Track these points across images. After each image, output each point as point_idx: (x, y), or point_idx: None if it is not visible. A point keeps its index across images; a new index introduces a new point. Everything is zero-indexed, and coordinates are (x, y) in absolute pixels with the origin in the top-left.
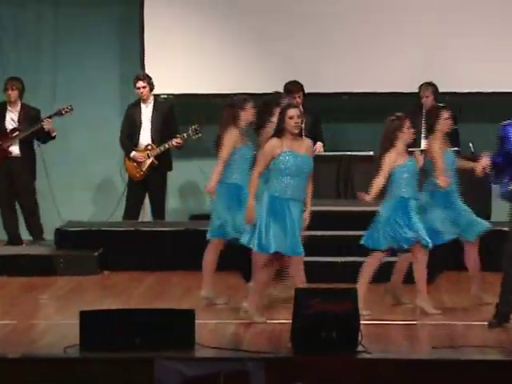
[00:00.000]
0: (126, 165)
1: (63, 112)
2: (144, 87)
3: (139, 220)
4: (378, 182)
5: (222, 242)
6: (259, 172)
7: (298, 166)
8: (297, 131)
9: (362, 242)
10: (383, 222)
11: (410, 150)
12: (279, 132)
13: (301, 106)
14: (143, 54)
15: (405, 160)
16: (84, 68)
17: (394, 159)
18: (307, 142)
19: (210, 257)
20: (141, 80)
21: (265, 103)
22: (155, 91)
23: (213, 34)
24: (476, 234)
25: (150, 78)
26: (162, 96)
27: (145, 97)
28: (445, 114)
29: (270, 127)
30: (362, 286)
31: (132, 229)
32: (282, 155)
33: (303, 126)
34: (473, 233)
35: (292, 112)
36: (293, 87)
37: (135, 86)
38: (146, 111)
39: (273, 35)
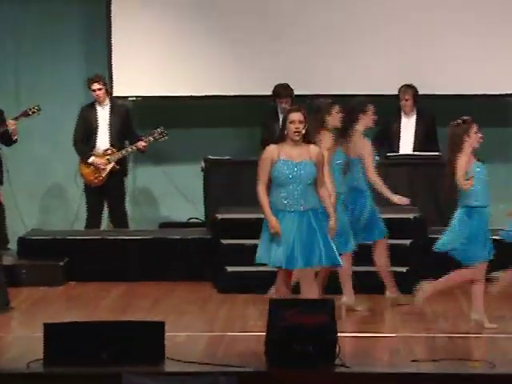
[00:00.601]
0: (81, 170)
1: (30, 113)
2: (100, 89)
3: (102, 228)
4: (465, 186)
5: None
6: (264, 183)
7: (295, 175)
8: (297, 138)
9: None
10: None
11: (389, 155)
12: (280, 138)
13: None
14: (110, 54)
15: (472, 165)
16: (48, 69)
17: (467, 162)
18: (312, 148)
19: (346, 264)
20: (96, 82)
21: (351, 108)
22: (123, 93)
23: (183, 34)
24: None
25: (105, 79)
26: (130, 98)
27: (101, 99)
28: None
29: (355, 134)
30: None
31: (98, 237)
32: (277, 164)
33: (303, 131)
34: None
35: (292, 117)
36: (281, 90)
37: (90, 88)
38: (103, 114)
39: (249, 36)
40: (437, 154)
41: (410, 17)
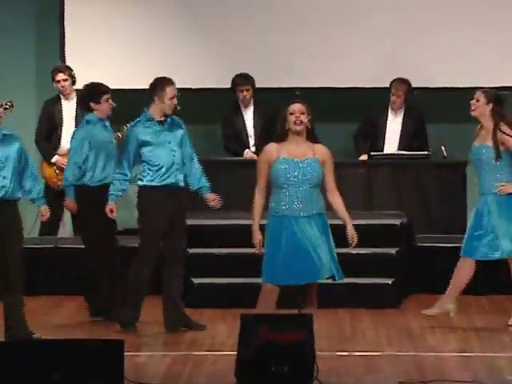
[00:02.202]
0: (43, 171)
1: (1, 109)
2: (65, 80)
3: (58, 236)
4: None
5: None
6: (260, 187)
7: (298, 175)
8: (299, 127)
9: None
10: None
11: (373, 154)
12: (281, 136)
13: (252, 102)
14: (63, 44)
15: None
16: None
17: None
18: (318, 146)
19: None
20: (61, 72)
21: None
22: (79, 86)
23: (144, 21)
24: None
25: (72, 70)
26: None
27: (66, 91)
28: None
29: None
30: None
31: (51, 246)
32: (276, 163)
33: (305, 121)
34: None
35: (292, 107)
36: (240, 80)
37: (54, 79)
38: (68, 108)
39: (219, 25)
40: (425, 153)
41: (397, 4)
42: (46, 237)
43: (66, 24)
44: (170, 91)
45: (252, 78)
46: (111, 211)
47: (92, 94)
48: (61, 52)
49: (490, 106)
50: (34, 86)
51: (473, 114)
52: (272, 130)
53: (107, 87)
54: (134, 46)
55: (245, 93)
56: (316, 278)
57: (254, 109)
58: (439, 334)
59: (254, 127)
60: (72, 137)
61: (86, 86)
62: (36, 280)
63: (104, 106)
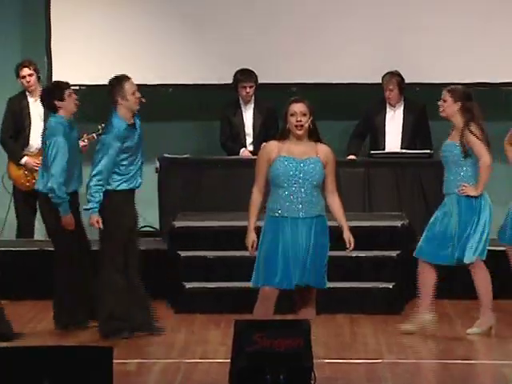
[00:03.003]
0: (11, 172)
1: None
2: (30, 75)
3: (35, 238)
4: None
5: None
6: (258, 186)
7: (298, 175)
8: (300, 132)
9: None
10: None
11: (372, 152)
12: (282, 134)
13: (253, 99)
14: (49, 39)
15: None
16: None
17: None
18: (320, 146)
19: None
20: (26, 67)
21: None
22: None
23: (134, 15)
24: None
25: (36, 65)
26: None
27: (32, 87)
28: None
29: None
30: None
31: (35, 249)
32: (276, 161)
33: (306, 125)
34: None
35: (293, 108)
36: (244, 77)
37: (18, 74)
38: (35, 106)
39: (206, 19)
40: (428, 151)
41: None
42: (30, 239)
43: (52, 18)
44: (129, 86)
45: (255, 74)
46: (98, 222)
47: (55, 91)
48: (47, 47)
49: (459, 104)
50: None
51: (442, 114)
52: (271, 128)
53: (68, 83)
54: (121, 41)
55: (248, 89)
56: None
57: (255, 106)
58: (442, 341)
59: (253, 125)
60: (48, 145)
61: (47, 86)
62: (20, 285)
63: (69, 102)
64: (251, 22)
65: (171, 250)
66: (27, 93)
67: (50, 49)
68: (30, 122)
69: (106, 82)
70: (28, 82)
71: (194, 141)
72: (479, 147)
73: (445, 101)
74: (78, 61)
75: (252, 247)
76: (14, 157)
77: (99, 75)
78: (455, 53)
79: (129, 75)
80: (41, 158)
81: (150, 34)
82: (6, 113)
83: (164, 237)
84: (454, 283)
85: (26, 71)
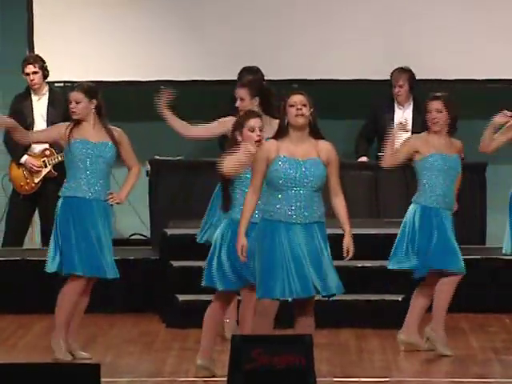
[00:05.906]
0: (11, 171)
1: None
2: (35, 73)
3: (25, 247)
4: None
5: None
6: (255, 187)
7: (298, 177)
8: (301, 120)
9: None
10: None
11: (380, 154)
12: (280, 132)
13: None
14: (32, 31)
15: None
16: None
17: None
18: (321, 143)
19: None
20: (30, 64)
21: None
22: (49, 78)
23: (124, 7)
24: None
25: (44, 62)
26: (56, 84)
27: (36, 86)
28: None
29: None
30: None
31: (17, 258)
32: (275, 161)
33: (307, 114)
34: None
35: (292, 99)
36: (248, 73)
37: (23, 71)
38: (39, 105)
39: (205, 16)
40: None
41: None
42: (12, 248)
43: (34, 9)
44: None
45: (261, 71)
46: None
47: None
48: (29, 40)
49: (449, 114)
50: None
51: (438, 127)
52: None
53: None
54: (110, 34)
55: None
56: (311, 293)
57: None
58: (456, 358)
59: None
60: None
61: None
62: (0, 297)
63: None
64: (252, 18)
65: (163, 259)
66: (31, 91)
67: (33, 43)
68: (33, 122)
69: (91, 78)
70: (32, 80)
71: (188, 141)
72: None
73: (440, 111)
74: (63, 55)
75: (242, 252)
76: (15, 155)
77: (86, 71)
78: (464, 49)
79: (115, 72)
80: (42, 159)
81: (142, 30)
82: (10, 112)
83: (155, 245)
84: (468, 297)
85: (30, 68)
